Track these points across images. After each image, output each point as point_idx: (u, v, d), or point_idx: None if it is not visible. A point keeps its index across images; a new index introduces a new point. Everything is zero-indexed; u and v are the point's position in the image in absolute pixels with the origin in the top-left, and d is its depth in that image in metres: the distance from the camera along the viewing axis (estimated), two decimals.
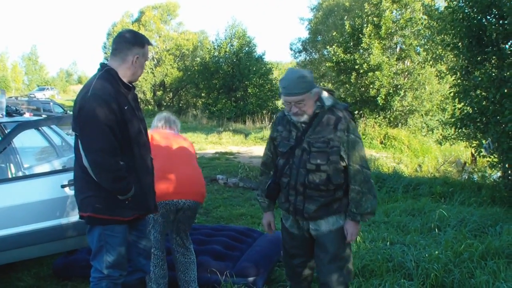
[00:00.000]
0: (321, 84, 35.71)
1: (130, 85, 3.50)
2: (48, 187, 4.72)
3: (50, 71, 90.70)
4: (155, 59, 44.16)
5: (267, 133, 23.23)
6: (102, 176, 3.28)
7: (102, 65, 3.46)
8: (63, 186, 4.58)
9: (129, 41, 3.43)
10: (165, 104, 44.21)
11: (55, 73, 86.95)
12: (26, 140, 5.55)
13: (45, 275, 5.25)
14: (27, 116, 6.53)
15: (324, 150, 3.33)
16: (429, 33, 16.72)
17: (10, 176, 5.35)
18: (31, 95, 45.30)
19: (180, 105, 43.76)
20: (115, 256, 3.53)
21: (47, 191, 4.70)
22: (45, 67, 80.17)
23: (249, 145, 20.96)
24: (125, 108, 3.36)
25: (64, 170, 4.68)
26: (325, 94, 3.47)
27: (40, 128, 5.55)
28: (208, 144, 20.49)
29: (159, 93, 44.75)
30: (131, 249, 3.74)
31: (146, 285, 4.36)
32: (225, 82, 35.32)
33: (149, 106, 43.26)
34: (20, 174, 5.41)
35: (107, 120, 3.23)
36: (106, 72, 3.40)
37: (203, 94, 38.26)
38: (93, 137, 3.23)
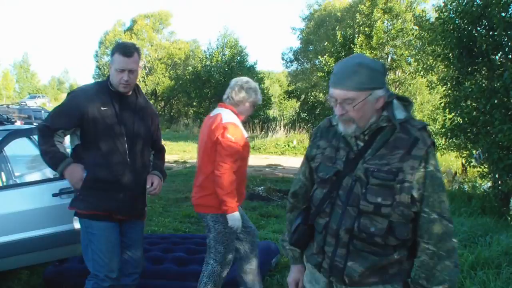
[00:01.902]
0: (313, 94, 35.84)
1: (118, 91, 3.71)
2: (40, 195, 4.71)
3: (41, 79, 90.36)
4: (147, 68, 44.17)
5: (258, 142, 23.25)
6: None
7: None
8: (54, 195, 4.57)
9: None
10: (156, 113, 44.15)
11: (46, 81, 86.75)
12: (18, 148, 5.54)
13: (35, 284, 5.24)
14: (19, 124, 6.53)
15: (390, 184, 2.21)
16: (420, 43, 16.80)
17: (1, 185, 5.33)
18: (22, 103, 45.13)
19: (172, 114, 43.74)
20: (98, 253, 3.67)
21: (38, 200, 4.68)
22: (37, 75, 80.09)
23: None
24: (102, 108, 3.62)
25: (55, 179, 4.66)
26: (397, 102, 2.36)
27: (31, 136, 5.54)
28: None
29: (150, 101, 44.71)
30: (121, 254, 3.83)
31: None
32: (217, 91, 35.26)
33: None
34: (11, 182, 5.40)
35: (68, 109, 3.66)
36: (106, 77, 3.79)
37: (194, 103, 38.26)
38: (50, 114, 3.74)
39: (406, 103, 2.38)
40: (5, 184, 5.10)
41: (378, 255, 2.27)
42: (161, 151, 4.21)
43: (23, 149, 5.74)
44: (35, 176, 5.60)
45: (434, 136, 14.41)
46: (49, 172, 5.40)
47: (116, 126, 3.65)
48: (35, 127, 6.20)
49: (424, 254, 2.23)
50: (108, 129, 3.62)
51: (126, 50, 3.64)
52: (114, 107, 3.65)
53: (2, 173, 5.39)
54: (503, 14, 8.70)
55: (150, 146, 3.99)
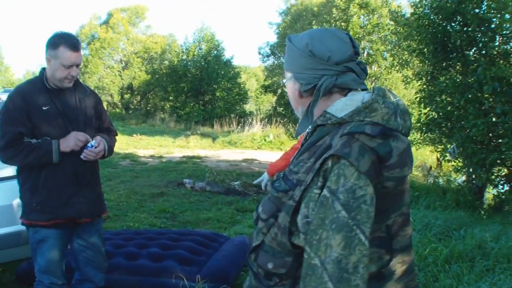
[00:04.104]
0: None
1: (56, 87, 3.49)
2: (10, 191, 4.64)
3: (16, 73, 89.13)
4: (123, 62, 43.80)
5: (235, 137, 23.20)
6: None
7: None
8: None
9: (46, 43, 3.45)
10: (132, 107, 43.83)
11: (21, 74, 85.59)
12: None
13: (7, 281, 5.17)
14: None
15: (277, 196, 1.75)
16: (396, 38, 16.92)
17: None
18: None
19: (148, 108, 43.43)
20: (44, 261, 3.55)
21: (9, 196, 4.62)
22: (11, 69, 78.94)
23: (216, 148, 20.88)
24: (43, 108, 3.42)
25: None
26: (348, 94, 1.76)
27: None
28: (176, 147, 20.35)
29: (126, 96, 44.35)
30: (78, 258, 3.75)
31: None
32: (193, 85, 35.17)
33: (117, 109, 42.83)
34: None
35: (13, 114, 3.39)
36: (39, 73, 3.53)
37: (171, 98, 38.06)
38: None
39: (381, 92, 1.73)
40: None
41: (256, 277, 1.86)
42: (110, 131, 3.91)
43: None
44: (7, 172, 5.51)
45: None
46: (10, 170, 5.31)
47: (61, 123, 3.48)
48: None
49: None
50: (54, 128, 3.45)
51: (75, 43, 3.42)
52: (55, 104, 3.46)
53: None
54: (477, 11, 8.83)
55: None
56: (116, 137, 4.00)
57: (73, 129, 3.48)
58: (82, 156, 3.50)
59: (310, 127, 1.81)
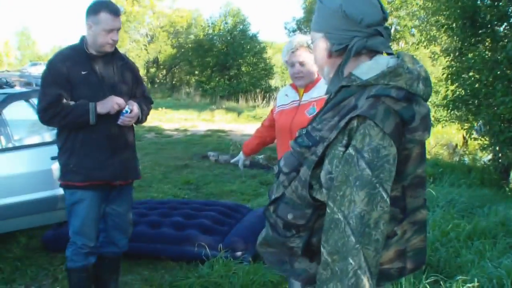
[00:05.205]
0: None
1: (96, 53, 3.57)
2: (38, 158, 4.72)
3: (43, 47, 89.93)
4: (148, 36, 43.84)
5: (260, 111, 23.19)
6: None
7: None
8: (53, 158, 4.57)
9: (86, 11, 3.53)
10: (158, 81, 43.99)
11: (48, 48, 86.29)
12: (17, 111, 5.52)
13: (34, 247, 5.27)
14: (18, 89, 6.50)
15: (300, 151, 1.81)
16: (424, 14, 16.69)
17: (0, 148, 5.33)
18: (23, 70, 44.94)
19: (174, 82, 43.55)
20: (78, 222, 3.64)
21: (37, 163, 4.70)
22: (37, 43, 79.62)
23: (241, 123, 20.90)
24: (82, 73, 3.51)
25: (54, 142, 4.65)
26: (373, 58, 1.78)
27: (30, 100, 5.52)
28: (201, 121, 20.44)
29: (152, 70, 44.49)
30: (106, 221, 3.81)
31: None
32: (219, 60, 35.14)
33: None
34: (10, 145, 5.39)
35: (52, 78, 3.51)
36: (80, 40, 3.62)
37: (196, 72, 38.12)
38: (39, 97, 3.58)
39: (404, 58, 1.75)
40: (4, 147, 5.09)
41: (274, 229, 1.90)
42: (146, 98, 3.95)
43: (22, 112, 5.72)
44: (34, 139, 5.59)
45: (436, 108, 14.41)
46: (48, 136, 5.39)
47: (99, 88, 3.55)
48: (33, 90, 6.19)
49: (321, 260, 1.66)
50: (91, 92, 3.52)
51: (115, 8, 3.51)
52: (94, 70, 3.55)
53: (1, 136, 5.38)
54: None
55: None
56: (152, 105, 4.06)
57: (110, 94, 3.55)
58: (119, 122, 3.58)
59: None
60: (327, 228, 1.62)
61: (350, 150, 1.59)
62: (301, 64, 3.18)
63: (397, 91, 1.64)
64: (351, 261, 1.55)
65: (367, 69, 1.74)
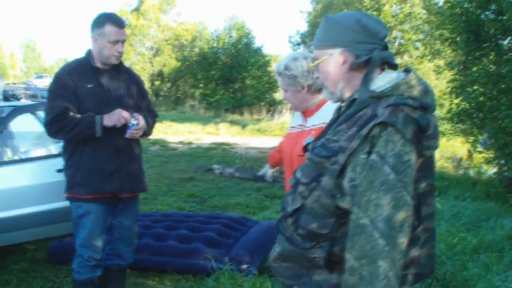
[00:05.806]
0: None
1: (102, 66, 3.62)
2: (44, 170, 4.74)
3: (48, 59, 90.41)
4: (153, 49, 44.02)
5: (264, 125, 23.21)
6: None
7: None
8: (58, 171, 4.59)
9: (91, 24, 3.59)
10: (163, 94, 44.09)
11: (53, 61, 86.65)
12: (23, 124, 5.56)
13: (40, 259, 5.27)
14: (24, 101, 6.54)
15: (319, 161, 1.81)
16: (428, 27, 16.75)
17: (6, 160, 5.35)
18: (29, 82, 45.11)
19: (178, 95, 43.65)
20: (84, 235, 3.66)
21: (42, 175, 4.72)
22: (42, 55, 79.93)
23: (246, 136, 20.93)
24: (88, 86, 3.55)
25: (59, 155, 4.67)
26: (383, 72, 1.87)
27: (36, 112, 5.55)
28: (205, 134, 20.47)
29: (157, 83, 44.62)
30: (113, 233, 3.83)
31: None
32: (223, 73, 35.25)
33: None
34: (16, 158, 5.42)
35: (59, 90, 3.54)
36: (85, 54, 3.67)
37: (201, 85, 38.22)
38: (46, 110, 3.62)
39: (407, 70, 1.86)
40: (10, 159, 5.12)
41: (291, 242, 1.88)
42: (150, 112, 3.97)
43: (28, 125, 5.75)
44: (40, 152, 5.62)
45: (440, 121, 14.40)
46: (53, 148, 5.41)
47: (105, 101, 3.58)
48: (39, 102, 6.22)
49: (346, 267, 1.66)
50: (97, 105, 3.54)
51: (119, 20, 3.56)
52: (100, 83, 3.58)
53: (7, 149, 5.41)
54: None
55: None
56: (157, 118, 4.08)
57: (116, 107, 3.57)
58: (126, 135, 3.60)
59: (327, 96, 1.97)
60: (353, 234, 1.65)
61: (374, 156, 1.64)
62: (285, 90, 2.98)
63: (413, 100, 1.70)
64: (381, 263, 1.59)
65: (379, 82, 1.81)
